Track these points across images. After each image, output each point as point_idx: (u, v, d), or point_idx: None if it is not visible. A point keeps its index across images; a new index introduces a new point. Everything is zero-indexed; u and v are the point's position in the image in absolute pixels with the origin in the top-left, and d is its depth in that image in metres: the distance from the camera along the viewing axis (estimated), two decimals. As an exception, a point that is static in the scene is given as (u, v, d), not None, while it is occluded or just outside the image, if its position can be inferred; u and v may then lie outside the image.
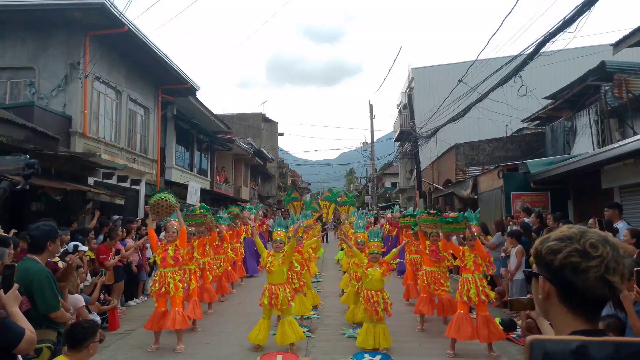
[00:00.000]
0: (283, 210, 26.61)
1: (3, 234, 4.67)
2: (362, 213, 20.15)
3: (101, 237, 9.00)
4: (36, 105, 11.00)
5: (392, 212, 15.99)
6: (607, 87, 11.37)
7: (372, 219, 19.10)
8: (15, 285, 2.82)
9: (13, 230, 6.43)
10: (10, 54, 12.25)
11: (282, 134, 40.51)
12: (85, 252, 7.35)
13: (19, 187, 3.61)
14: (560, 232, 1.31)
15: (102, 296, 7.65)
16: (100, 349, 6.02)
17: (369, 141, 39.60)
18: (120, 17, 11.83)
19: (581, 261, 1.22)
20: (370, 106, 37.81)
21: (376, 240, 6.80)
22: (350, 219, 12.37)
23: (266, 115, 38.68)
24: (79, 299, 6.10)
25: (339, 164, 72.97)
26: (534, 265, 1.40)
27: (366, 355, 6.12)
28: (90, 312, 6.76)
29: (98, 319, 6.85)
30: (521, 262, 7.69)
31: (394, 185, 45.01)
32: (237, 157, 27.93)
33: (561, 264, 1.25)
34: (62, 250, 6.46)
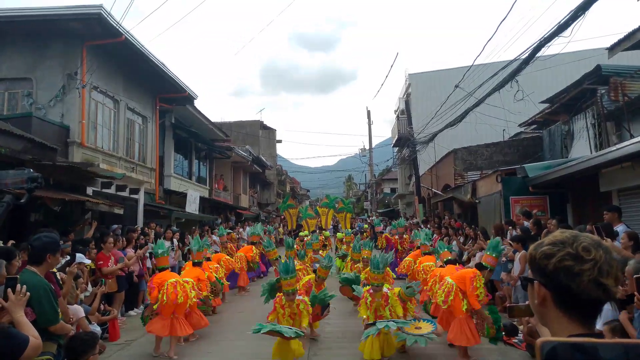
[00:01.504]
0: (282, 217, 26.59)
1: (5, 245, 4.66)
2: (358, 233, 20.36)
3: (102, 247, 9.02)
4: (34, 116, 11.00)
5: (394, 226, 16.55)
6: (603, 91, 11.43)
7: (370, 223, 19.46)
8: (11, 290, 2.82)
9: (11, 242, 6.42)
10: (8, 65, 12.27)
11: (280, 141, 40.52)
12: (87, 265, 7.38)
13: (22, 201, 3.61)
14: (553, 237, 1.33)
15: (102, 306, 7.62)
16: (100, 360, 6.00)
17: (367, 147, 39.68)
18: (117, 27, 11.86)
19: (574, 264, 1.24)
20: (368, 112, 37.93)
21: (377, 272, 6.54)
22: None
23: (264, 123, 38.72)
24: (78, 310, 6.07)
25: (337, 170, 72.99)
26: (529, 271, 1.41)
27: None
28: (90, 322, 6.74)
29: (98, 329, 6.82)
30: (524, 268, 7.67)
31: (393, 190, 45.01)
32: (236, 164, 27.93)
33: (555, 268, 1.27)
34: (63, 261, 6.44)
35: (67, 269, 5.57)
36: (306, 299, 6.57)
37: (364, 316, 6.46)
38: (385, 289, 6.59)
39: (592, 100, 11.99)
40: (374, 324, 5.99)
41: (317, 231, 18.01)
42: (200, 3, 12.76)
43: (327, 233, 19.03)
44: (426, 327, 6.16)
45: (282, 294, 6.50)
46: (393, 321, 5.96)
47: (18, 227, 8.72)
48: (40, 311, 3.57)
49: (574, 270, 1.24)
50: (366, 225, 24.63)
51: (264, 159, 33.18)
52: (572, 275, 1.24)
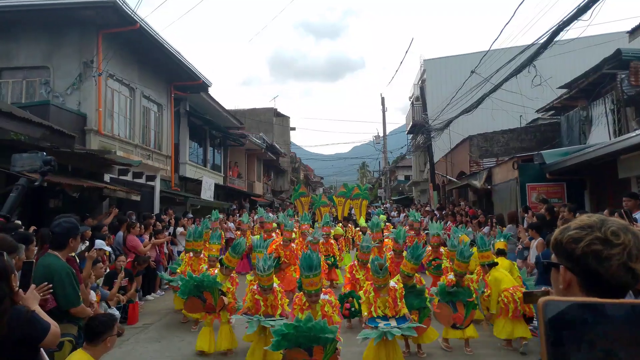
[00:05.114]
0: (294, 206, 26.48)
1: (24, 231, 4.76)
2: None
3: (120, 233, 9.18)
4: (52, 104, 11.14)
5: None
6: (623, 76, 11.18)
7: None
8: (33, 285, 2.89)
9: (33, 227, 6.55)
10: (25, 53, 12.40)
11: (294, 129, 40.42)
12: (106, 252, 7.53)
13: (36, 184, 3.67)
14: (580, 221, 1.31)
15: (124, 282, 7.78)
16: (119, 343, 6.14)
17: (381, 134, 39.49)
18: (132, 15, 11.90)
19: (603, 249, 1.23)
20: (382, 99, 37.67)
21: (377, 276, 5.54)
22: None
23: (278, 110, 38.65)
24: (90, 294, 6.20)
25: (351, 157, 72.66)
26: (552, 256, 1.40)
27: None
28: (109, 306, 6.88)
29: (117, 313, 6.96)
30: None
31: (407, 178, 44.82)
32: (250, 152, 28.04)
33: (583, 253, 1.25)
34: (82, 247, 6.58)
35: (87, 253, 5.68)
36: (332, 298, 5.19)
37: (365, 313, 5.64)
38: (392, 283, 5.72)
39: (612, 85, 11.76)
40: (375, 325, 5.34)
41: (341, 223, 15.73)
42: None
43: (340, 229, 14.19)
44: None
45: (300, 293, 5.20)
46: (397, 327, 5.21)
47: (37, 213, 8.89)
48: (62, 293, 3.67)
49: (602, 255, 1.23)
50: (383, 217, 19.12)
51: (278, 147, 33.20)
52: (600, 259, 1.23)
